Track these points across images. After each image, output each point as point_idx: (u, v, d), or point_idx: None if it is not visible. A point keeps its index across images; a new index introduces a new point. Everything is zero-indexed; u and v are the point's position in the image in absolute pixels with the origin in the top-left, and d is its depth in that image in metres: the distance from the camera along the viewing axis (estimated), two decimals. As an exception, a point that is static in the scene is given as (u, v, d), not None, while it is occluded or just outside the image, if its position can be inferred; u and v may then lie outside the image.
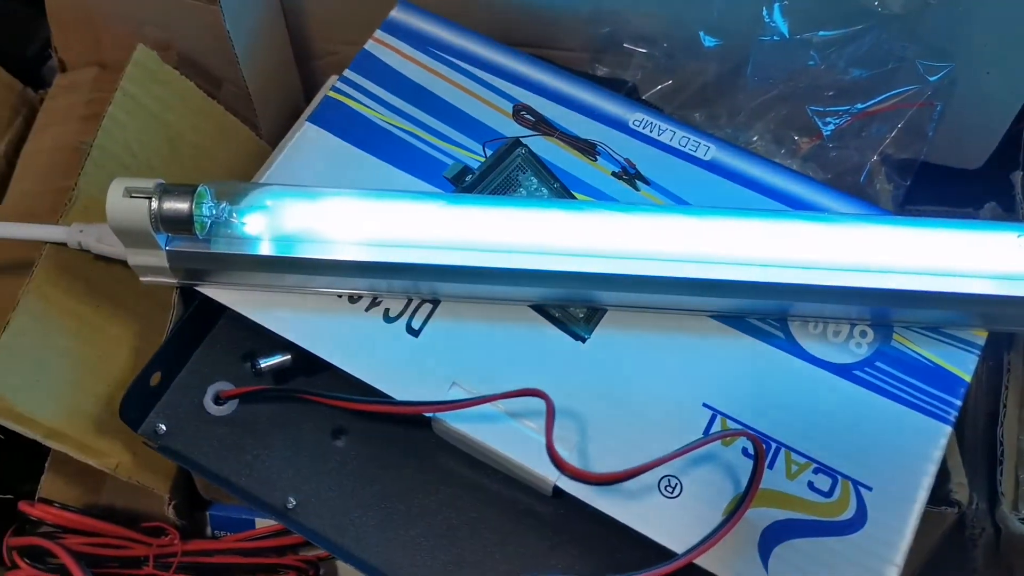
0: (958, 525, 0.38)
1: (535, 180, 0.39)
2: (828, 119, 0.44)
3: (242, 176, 0.42)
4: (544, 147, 0.40)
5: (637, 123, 0.40)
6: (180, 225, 0.34)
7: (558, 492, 0.34)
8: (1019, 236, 0.34)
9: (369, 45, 0.42)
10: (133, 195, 0.33)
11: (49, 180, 0.46)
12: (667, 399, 0.35)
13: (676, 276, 0.35)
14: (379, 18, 0.44)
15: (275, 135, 0.48)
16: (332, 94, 0.41)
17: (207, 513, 0.42)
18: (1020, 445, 0.39)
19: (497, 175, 0.39)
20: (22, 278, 0.39)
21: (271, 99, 0.47)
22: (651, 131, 0.40)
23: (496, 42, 0.42)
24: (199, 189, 0.34)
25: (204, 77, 0.47)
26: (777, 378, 0.35)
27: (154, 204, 0.33)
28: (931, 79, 0.42)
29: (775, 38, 0.42)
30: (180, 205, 0.34)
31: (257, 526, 0.41)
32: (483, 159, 0.40)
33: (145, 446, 0.37)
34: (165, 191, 0.34)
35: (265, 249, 0.35)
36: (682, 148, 0.40)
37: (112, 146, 0.41)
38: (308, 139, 0.40)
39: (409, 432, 0.36)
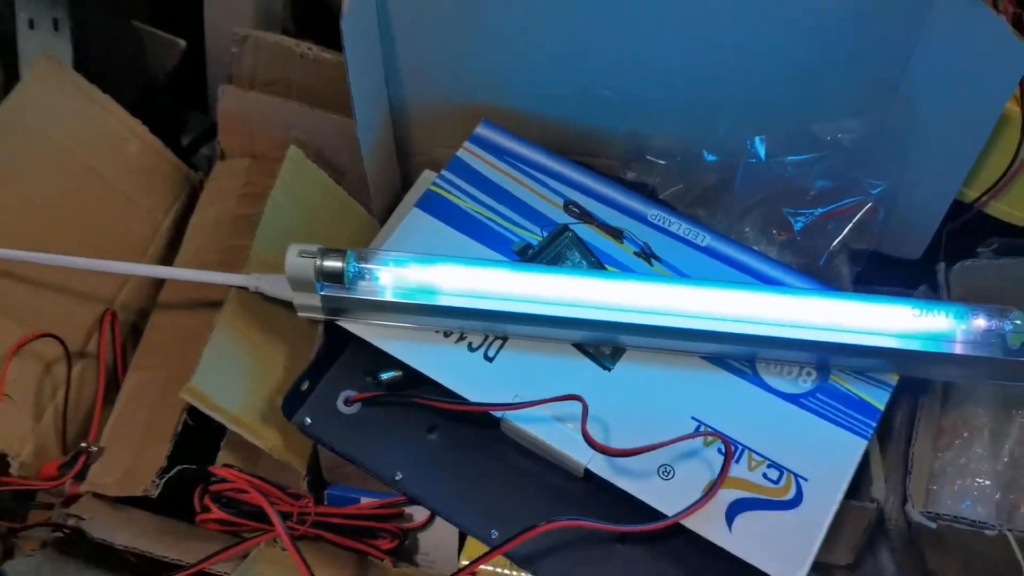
0: (879, 519, 0.51)
1: (578, 255, 0.54)
2: (798, 218, 0.58)
3: (359, 244, 0.58)
4: (585, 232, 0.55)
5: (654, 217, 0.56)
6: (333, 277, 0.50)
7: (588, 474, 0.48)
8: (913, 309, 0.49)
9: (460, 153, 0.58)
10: (303, 255, 0.49)
11: (216, 241, 0.62)
12: (666, 412, 0.49)
13: (676, 327, 0.50)
14: (464, 129, 0.59)
15: (383, 213, 0.63)
16: (434, 188, 0.57)
17: (326, 492, 0.56)
18: (930, 464, 0.53)
19: (550, 250, 0.55)
20: (210, 311, 0.55)
21: (380, 187, 0.63)
22: (663, 223, 0.55)
23: (553, 153, 0.58)
24: (348, 252, 0.50)
25: (333, 168, 0.62)
26: (745, 401, 0.50)
27: (317, 262, 0.49)
28: (872, 192, 0.57)
29: (757, 160, 0.57)
30: (335, 263, 0.49)
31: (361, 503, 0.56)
32: (540, 239, 0.55)
33: (294, 434, 0.52)
34: (324, 253, 0.49)
35: (387, 295, 0.50)
36: (686, 236, 0.55)
37: (273, 219, 0.56)
38: (416, 220, 0.55)
39: (482, 429, 0.50)
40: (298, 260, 0.49)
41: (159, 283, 0.63)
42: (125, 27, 0.74)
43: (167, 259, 0.64)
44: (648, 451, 0.46)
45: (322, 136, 0.63)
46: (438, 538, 0.55)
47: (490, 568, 0.50)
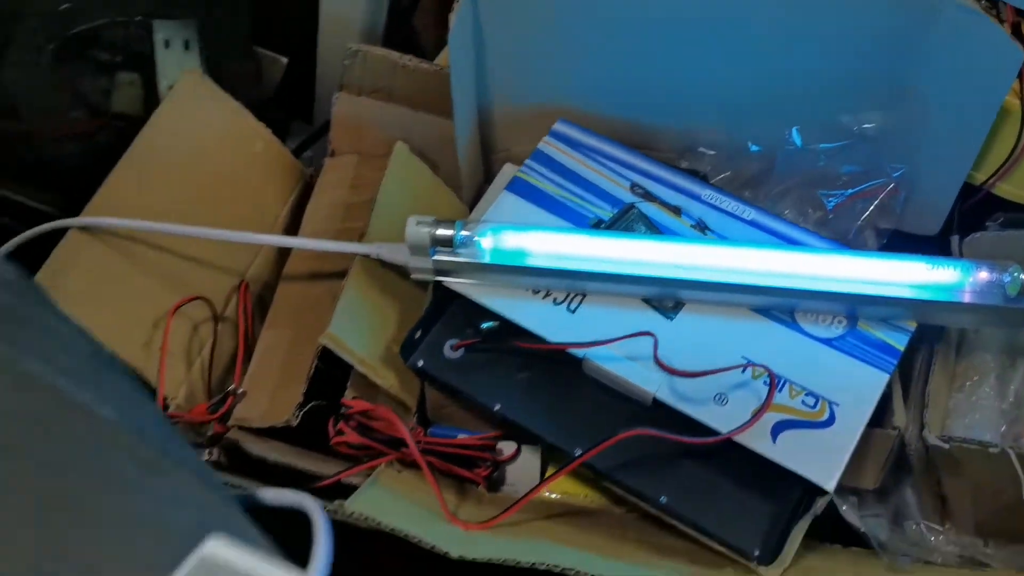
0: (900, 445, 0.61)
1: (643, 227, 0.65)
2: (830, 199, 0.68)
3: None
4: (648, 208, 0.66)
5: (706, 196, 0.66)
6: (444, 243, 0.60)
7: (656, 403, 0.58)
8: (927, 265, 0.58)
9: (541, 145, 0.69)
10: (420, 224, 0.60)
11: (330, 224, 0.73)
12: (720, 353, 0.59)
13: (727, 282, 0.60)
14: (539, 128, 0.70)
15: (472, 201, 0.74)
16: (520, 174, 0.67)
17: (428, 430, 0.67)
18: (944, 402, 0.63)
19: (620, 224, 0.65)
20: (328, 281, 0.66)
21: (470, 178, 0.74)
22: (715, 201, 0.66)
23: (620, 144, 0.69)
24: (456, 222, 0.60)
25: (429, 162, 0.73)
26: (786, 344, 0.60)
27: (432, 230, 0.60)
28: (894, 175, 0.67)
29: (794, 148, 0.67)
30: (446, 231, 0.60)
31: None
32: (611, 215, 0.65)
33: (408, 377, 0.63)
34: (437, 223, 0.60)
35: (487, 259, 0.61)
36: (734, 212, 0.65)
37: (385, 202, 0.67)
38: (506, 200, 0.66)
39: (566, 368, 0.61)
40: (416, 228, 0.60)
41: (282, 259, 0.74)
42: (243, 47, 0.86)
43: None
44: (706, 375, 0.56)
45: (420, 135, 0.74)
46: (522, 470, 0.65)
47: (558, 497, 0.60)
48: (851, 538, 0.62)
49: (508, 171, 0.73)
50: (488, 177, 0.77)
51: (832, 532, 0.61)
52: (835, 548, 0.62)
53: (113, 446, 0.31)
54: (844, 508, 0.61)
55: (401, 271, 0.64)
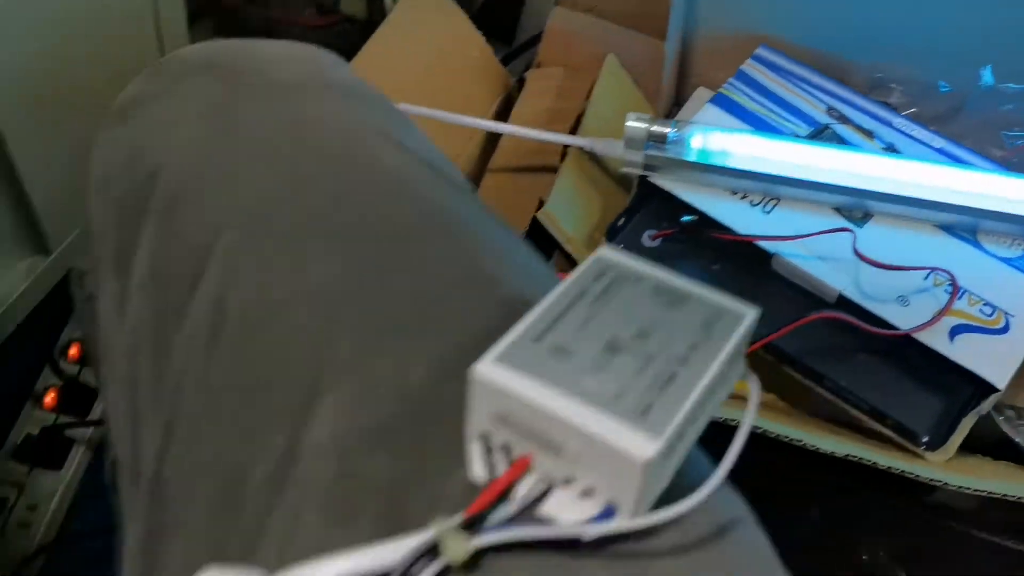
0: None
1: (835, 145, 0.70)
2: (1014, 140, 0.73)
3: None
4: (842, 130, 0.71)
5: (897, 124, 0.71)
6: (658, 139, 0.67)
7: (841, 300, 0.64)
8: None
9: (744, 67, 0.75)
10: (639, 120, 0.67)
11: (535, 126, 0.80)
12: (904, 262, 0.64)
13: (914, 196, 0.65)
14: (735, 57, 0.76)
15: (673, 112, 0.81)
16: (723, 90, 0.73)
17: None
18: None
19: (816, 143, 0.71)
20: (529, 175, 0.73)
21: (665, 98, 0.80)
22: (905, 128, 0.71)
23: (818, 71, 0.74)
24: (672, 121, 0.67)
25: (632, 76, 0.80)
26: (968, 259, 0.64)
27: (650, 126, 0.66)
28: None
29: (985, 86, 0.72)
30: (662, 128, 0.67)
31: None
32: (807, 133, 0.71)
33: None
34: (654, 120, 0.67)
35: (693, 157, 0.68)
36: (923, 140, 0.70)
37: (597, 104, 0.74)
38: (708, 112, 0.72)
39: (756, 263, 0.67)
40: (635, 123, 0.66)
41: (487, 154, 0.81)
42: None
43: (491, 143, 0.83)
44: (896, 269, 0.61)
45: (625, 52, 0.80)
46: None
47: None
48: (1002, 453, 0.66)
49: (702, 94, 0.80)
50: (678, 100, 0.83)
51: (984, 447, 0.66)
52: (986, 459, 0.66)
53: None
54: (1001, 419, 0.66)
55: (606, 168, 0.71)
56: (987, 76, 0.72)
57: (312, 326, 0.31)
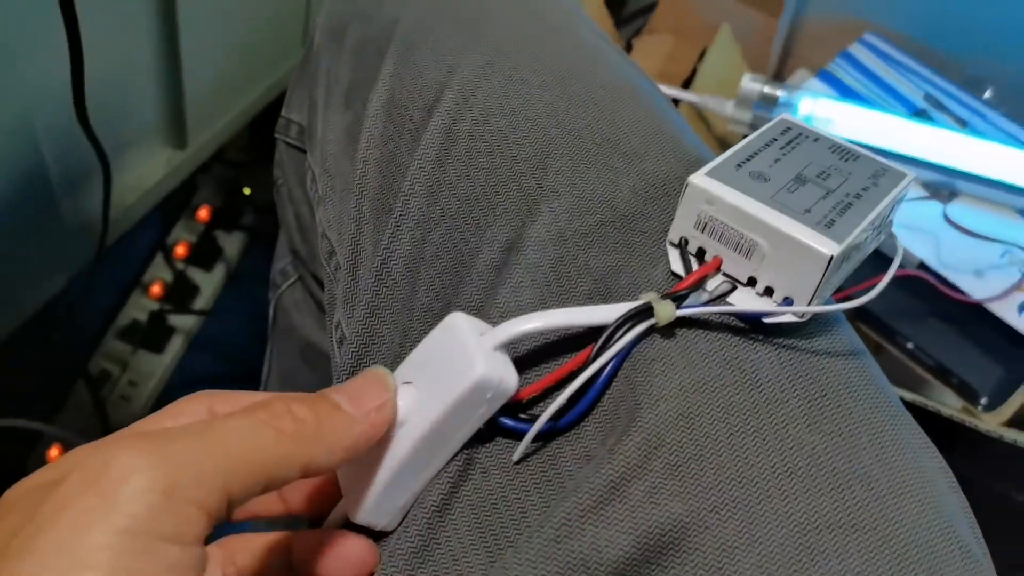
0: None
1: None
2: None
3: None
4: (937, 116, 0.76)
5: (991, 116, 0.76)
6: (769, 100, 0.72)
7: (922, 267, 0.69)
8: None
9: (850, 48, 0.80)
10: (755, 80, 0.72)
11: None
12: (984, 240, 0.70)
13: (997, 180, 0.70)
14: (838, 42, 0.82)
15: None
16: (829, 68, 0.79)
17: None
18: None
19: (908, 125, 0.76)
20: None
21: (768, 70, 0.85)
22: (998, 122, 0.76)
23: (917, 59, 0.79)
24: (784, 84, 0.72)
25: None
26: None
27: (764, 88, 0.72)
28: None
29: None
30: (776, 91, 0.72)
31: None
32: (905, 113, 0.76)
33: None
34: (766, 82, 0.72)
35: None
36: (1013, 133, 0.75)
37: (710, 65, 0.80)
38: (814, 85, 0.78)
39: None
40: (751, 83, 0.72)
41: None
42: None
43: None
44: (979, 237, 0.66)
45: (736, 25, 0.86)
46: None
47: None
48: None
49: (803, 74, 0.85)
50: (778, 79, 0.89)
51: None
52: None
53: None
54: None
55: (710, 127, 0.76)
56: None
57: (532, 150, 0.36)
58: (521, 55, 0.39)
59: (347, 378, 0.31)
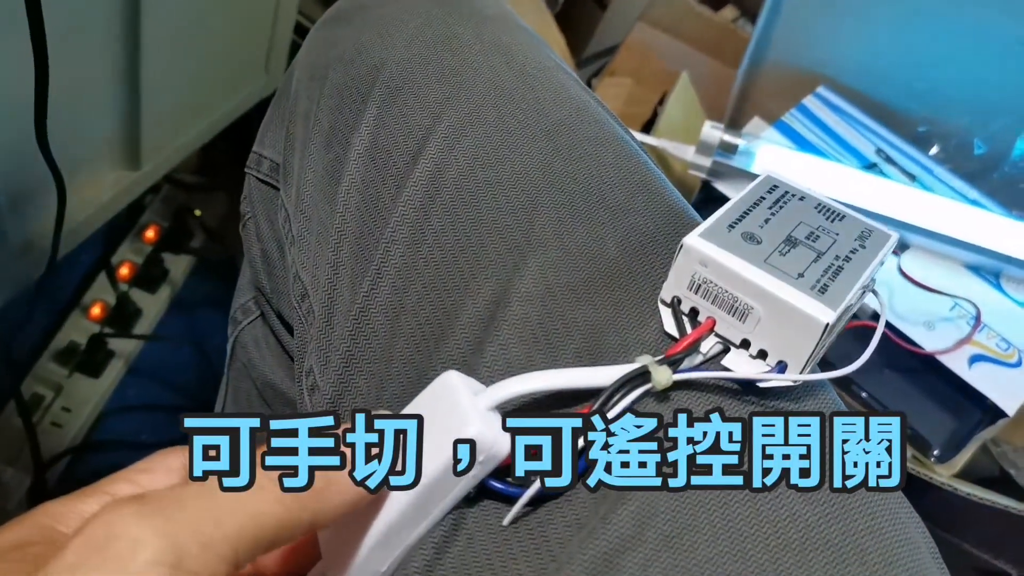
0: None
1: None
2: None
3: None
4: (888, 171, 0.78)
5: (939, 172, 0.78)
6: (728, 148, 0.73)
7: (875, 317, 0.70)
8: None
9: (806, 101, 0.82)
10: (714, 128, 0.73)
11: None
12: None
13: (946, 234, 0.72)
14: (794, 93, 0.83)
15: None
16: (785, 119, 0.80)
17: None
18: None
19: (861, 177, 0.77)
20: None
21: (724, 117, 0.87)
22: (945, 178, 0.78)
23: (869, 114, 0.81)
24: (743, 133, 0.73)
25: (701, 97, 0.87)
26: (989, 299, 0.71)
27: (723, 135, 0.73)
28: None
29: (1018, 157, 0.79)
30: (734, 139, 0.73)
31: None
32: (858, 166, 0.78)
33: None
34: (727, 129, 0.73)
35: (756, 169, 0.74)
36: (959, 190, 0.77)
37: (670, 113, 0.81)
38: (772, 134, 0.79)
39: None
40: (711, 130, 0.73)
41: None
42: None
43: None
44: (930, 291, 0.68)
45: (695, 73, 0.87)
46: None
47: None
48: (996, 487, 0.72)
49: (757, 123, 0.86)
50: (733, 126, 0.90)
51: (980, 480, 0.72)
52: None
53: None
54: (998, 451, 0.72)
55: (670, 171, 0.77)
56: (1021, 145, 0.79)
57: (519, 201, 0.36)
58: (507, 106, 0.39)
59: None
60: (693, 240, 0.31)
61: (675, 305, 0.32)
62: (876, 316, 0.69)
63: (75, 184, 0.70)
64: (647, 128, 0.84)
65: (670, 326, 0.32)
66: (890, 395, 0.68)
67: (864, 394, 0.68)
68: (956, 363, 0.68)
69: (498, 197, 0.36)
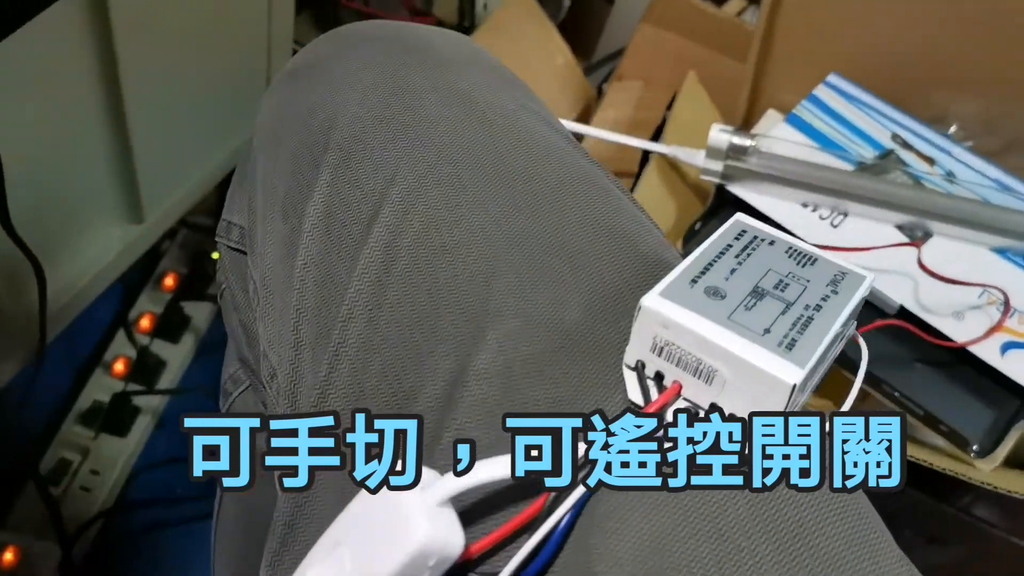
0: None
1: (898, 171, 0.75)
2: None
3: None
4: (905, 156, 0.76)
5: (957, 153, 0.76)
6: (739, 150, 0.72)
7: (901, 312, 0.68)
8: None
9: (816, 91, 0.80)
10: (723, 131, 0.72)
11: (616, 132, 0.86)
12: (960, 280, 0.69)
13: (968, 219, 0.70)
14: (805, 83, 0.81)
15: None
16: (797, 112, 0.78)
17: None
18: None
19: (880, 166, 0.75)
20: (628, 175, 0.78)
21: (738, 113, 0.85)
22: (964, 159, 0.76)
23: (883, 99, 0.79)
24: (754, 134, 0.72)
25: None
26: (1019, 282, 0.69)
27: (732, 137, 0.71)
28: None
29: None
30: (745, 140, 0.72)
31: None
32: (873, 156, 0.76)
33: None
34: (737, 132, 0.72)
35: (762, 169, 0.72)
36: (980, 169, 0.75)
37: (679, 116, 0.80)
38: (784, 129, 0.77)
39: (822, 273, 0.71)
40: (719, 134, 0.71)
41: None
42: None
43: (568, 146, 0.88)
44: (955, 283, 0.66)
45: (704, 71, 0.85)
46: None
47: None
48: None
49: (772, 115, 0.85)
50: (747, 119, 0.88)
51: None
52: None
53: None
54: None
55: (683, 176, 0.76)
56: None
57: (476, 265, 0.35)
58: (464, 161, 0.38)
59: (288, 521, 0.29)
60: (651, 301, 0.31)
61: (639, 369, 0.31)
62: (902, 310, 0.67)
63: (75, 245, 0.72)
64: (660, 131, 0.83)
65: (635, 394, 0.31)
66: (923, 392, 0.67)
67: (897, 393, 0.67)
68: (988, 352, 0.66)
69: (455, 263, 0.35)
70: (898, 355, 0.68)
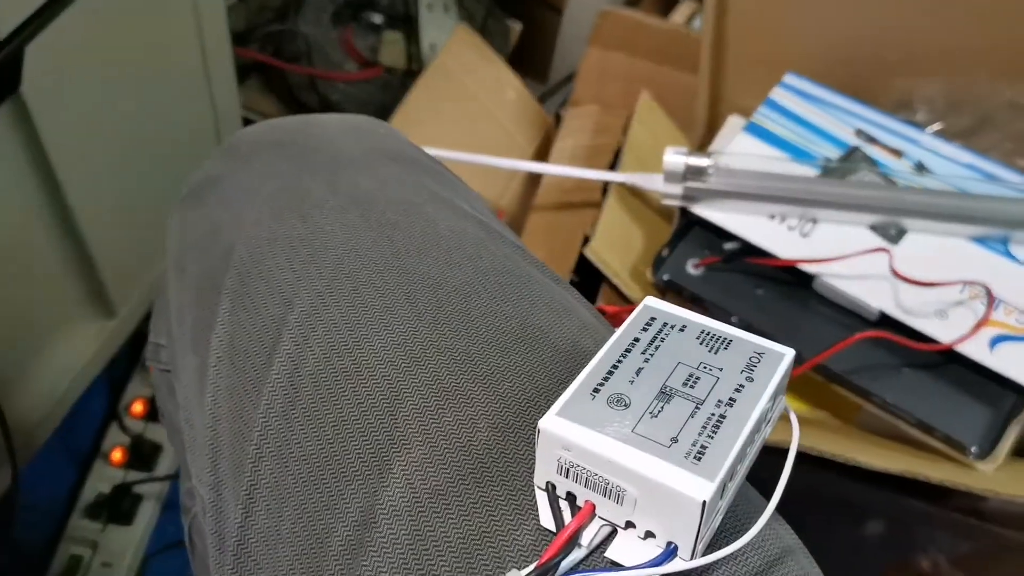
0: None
1: (866, 167, 0.73)
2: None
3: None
4: (871, 151, 0.73)
5: (925, 142, 0.73)
6: (696, 172, 0.70)
7: (882, 317, 0.66)
8: None
9: (772, 95, 0.77)
10: (677, 153, 0.69)
11: (574, 164, 0.84)
12: (939, 276, 0.67)
13: (943, 211, 0.67)
14: (763, 85, 0.79)
15: (698, 147, 0.84)
16: (755, 119, 0.76)
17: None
18: None
19: (846, 165, 0.73)
20: (572, 211, 0.76)
21: (700, 127, 0.83)
22: (933, 146, 0.73)
23: (842, 93, 0.76)
24: (708, 153, 0.70)
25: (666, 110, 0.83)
26: (1001, 270, 0.67)
27: (687, 160, 0.69)
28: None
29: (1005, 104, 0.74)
30: (700, 161, 0.69)
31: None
32: (838, 155, 0.73)
33: (650, 292, 0.72)
34: (691, 153, 0.70)
35: (731, 187, 0.70)
36: (950, 156, 0.72)
37: (635, 140, 0.78)
38: (744, 140, 0.75)
39: (797, 288, 0.69)
40: (674, 157, 0.69)
41: (528, 193, 0.85)
42: (493, 11, 0.97)
43: (533, 182, 0.86)
44: (933, 285, 0.63)
45: (658, 86, 0.83)
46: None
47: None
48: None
49: (734, 121, 0.82)
50: (710, 127, 0.86)
51: None
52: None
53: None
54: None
55: (647, 200, 0.74)
56: (1008, 91, 0.74)
57: (379, 391, 0.34)
58: (363, 273, 0.37)
59: None
60: (548, 423, 0.29)
61: (550, 491, 0.30)
62: (883, 316, 0.65)
63: (48, 350, 0.71)
64: (620, 155, 0.81)
65: (546, 518, 0.30)
66: (912, 399, 0.64)
67: (886, 403, 0.65)
68: (977, 349, 0.64)
69: (358, 390, 0.34)
70: (884, 363, 0.66)
